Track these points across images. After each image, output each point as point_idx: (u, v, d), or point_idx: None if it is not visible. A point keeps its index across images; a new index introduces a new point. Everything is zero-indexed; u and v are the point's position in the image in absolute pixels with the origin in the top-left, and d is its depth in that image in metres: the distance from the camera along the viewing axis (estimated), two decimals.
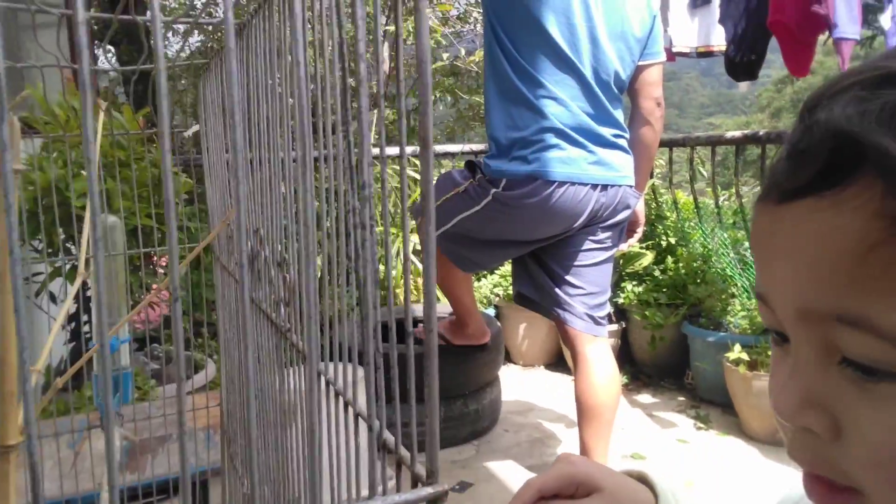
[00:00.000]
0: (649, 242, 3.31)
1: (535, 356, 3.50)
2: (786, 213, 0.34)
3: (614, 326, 3.24)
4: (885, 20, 2.67)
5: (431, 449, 0.28)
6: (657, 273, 3.23)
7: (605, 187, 1.93)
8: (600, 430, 1.97)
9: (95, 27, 4.13)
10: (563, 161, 1.88)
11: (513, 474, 2.36)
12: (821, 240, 0.32)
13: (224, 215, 0.74)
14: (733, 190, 3.37)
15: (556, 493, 0.55)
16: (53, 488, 1.26)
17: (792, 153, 0.34)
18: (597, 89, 1.89)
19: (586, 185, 1.89)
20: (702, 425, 2.74)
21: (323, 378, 0.46)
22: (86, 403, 1.97)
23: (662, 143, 3.61)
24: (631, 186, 1.99)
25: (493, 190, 1.89)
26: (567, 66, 1.87)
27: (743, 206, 3.05)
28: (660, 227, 3.39)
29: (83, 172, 1.73)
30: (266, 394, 0.60)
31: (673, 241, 3.32)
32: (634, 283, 3.24)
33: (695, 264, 3.18)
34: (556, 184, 1.87)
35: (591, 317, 2.03)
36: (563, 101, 1.86)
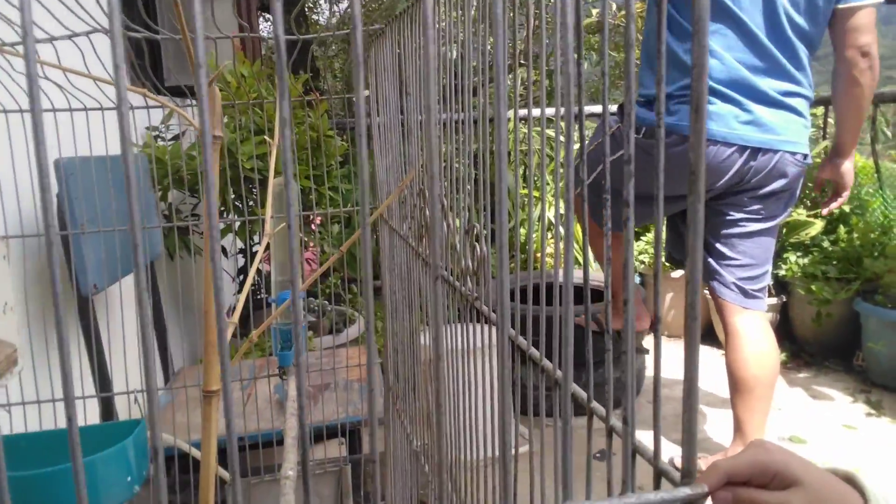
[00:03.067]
0: (817, 210, 3.02)
1: (681, 326, 3.34)
2: None
3: (773, 300, 3.02)
4: None
5: (689, 447, 0.26)
6: (826, 244, 2.95)
7: (756, 151, 1.74)
8: (752, 404, 1.86)
9: None
10: (708, 116, 1.75)
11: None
12: None
13: (396, 179, 0.75)
14: None
15: (747, 480, 0.51)
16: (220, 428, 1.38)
17: None
18: (763, 39, 1.70)
19: (733, 145, 1.73)
20: (873, 411, 2.50)
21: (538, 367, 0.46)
22: (251, 350, 2.14)
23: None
24: (794, 154, 1.77)
25: (634, 136, 1.79)
26: (724, 13, 1.70)
27: None
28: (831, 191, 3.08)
29: (267, 140, 1.85)
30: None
31: (847, 208, 3.01)
32: (799, 253, 2.99)
33: (872, 235, 2.86)
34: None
35: (742, 288, 1.90)
36: (715, 53, 1.71)
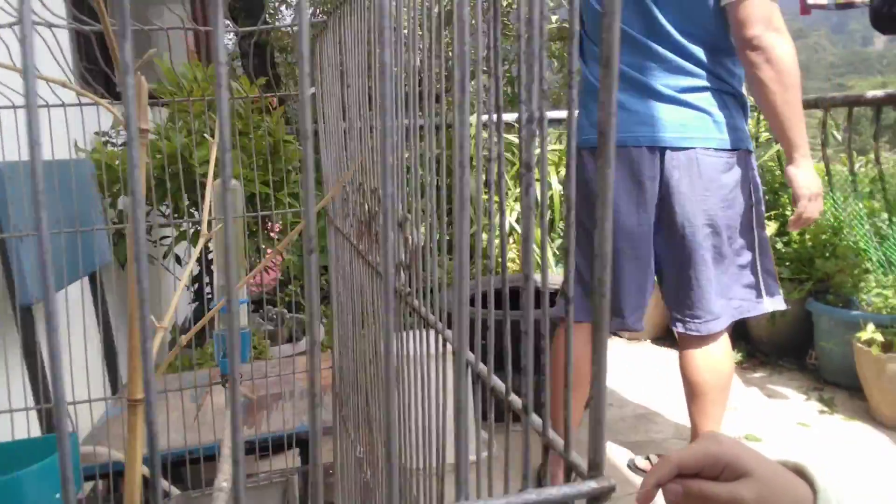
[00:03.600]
0: (772, 213, 3.09)
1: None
2: None
3: None
4: None
5: (597, 438, 0.25)
6: (780, 245, 3.02)
7: (653, 149, 1.71)
8: (706, 408, 1.87)
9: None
10: (592, 123, 1.77)
11: (617, 450, 2.30)
12: None
13: (339, 177, 0.74)
14: (870, 156, 3.08)
15: (698, 472, 0.51)
16: (178, 438, 1.34)
17: None
18: (644, 37, 1.70)
19: (627, 146, 1.72)
20: (825, 409, 2.56)
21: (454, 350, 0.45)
22: (207, 360, 2.09)
23: None
24: (707, 149, 1.70)
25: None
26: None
27: (882, 174, 2.78)
28: (784, 196, 3.16)
29: (207, 138, 1.82)
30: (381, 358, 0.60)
31: None
32: None
33: (823, 236, 2.94)
34: (590, 151, 1.79)
35: None
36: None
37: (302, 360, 1.75)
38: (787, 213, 3.11)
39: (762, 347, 3.09)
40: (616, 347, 3.32)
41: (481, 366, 0.39)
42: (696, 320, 1.82)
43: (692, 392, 1.88)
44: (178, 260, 2.19)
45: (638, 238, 1.80)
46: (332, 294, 0.91)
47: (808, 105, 3.05)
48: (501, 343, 0.37)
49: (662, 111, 1.69)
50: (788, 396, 2.70)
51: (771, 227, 2.98)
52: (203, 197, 1.94)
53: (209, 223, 0.66)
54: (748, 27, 1.58)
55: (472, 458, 0.34)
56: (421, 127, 0.47)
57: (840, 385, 2.72)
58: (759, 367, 3.00)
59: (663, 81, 1.69)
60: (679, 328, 1.88)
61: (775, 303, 1.87)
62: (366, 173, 0.59)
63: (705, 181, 1.71)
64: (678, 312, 1.87)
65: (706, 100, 1.69)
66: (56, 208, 1.32)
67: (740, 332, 3.15)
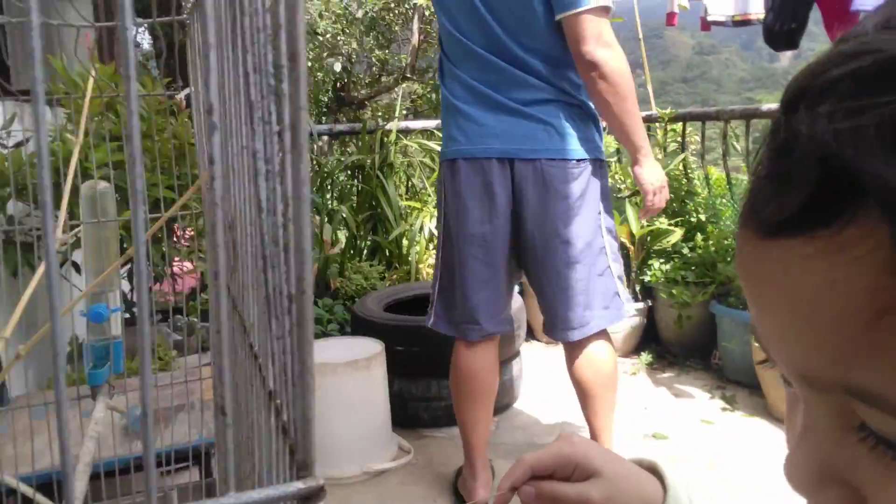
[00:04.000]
0: (678, 220, 3.23)
1: None
2: (772, 252, 0.27)
3: (640, 304, 3.19)
4: None
5: (305, 438, 0.25)
6: (686, 251, 3.16)
7: (503, 161, 1.76)
8: (595, 406, 1.94)
9: None
10: (453, 138, 1.84)
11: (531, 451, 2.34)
12: (816, 297, 0.25)
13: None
14: None
15: (551, 473, 0.53)
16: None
17: (772, 173, 0.27)
18: (490, 54, 1.75)
19: (479, 158, 1.79)
20: (727, 406, 2.68)
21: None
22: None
23: (694, 117, 3.53)
24: (552, 160, 1.75)
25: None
26: (455, 39, 1.81)
27: None
28: (690, 203, 3.31)
29: (70, 138, 1.73)
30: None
31: (703, 217, 3.23)
32: (662, 260, 3.18)
33: (725, 242, 3.09)
34: (448, 163, 1.85)
35: None
36: (468, 74, 1.80)
37: (207, 371, 1.70)
38: (693, 219, 3.25)
39: (671, 349, 3.22)
40: (533, 350, 3.38)
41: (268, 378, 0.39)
42: (563, 329, 1.88)
43: (580, 394, 1.95)
44: (76, 267, 2.09)
45: (490, 245, 1.83)
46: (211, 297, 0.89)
47: (710, 117, 3.21)
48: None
49: (510, 124, 1.75)
50: (694, 395, 2.82)
51: (677, 234, 3.11)
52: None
53: (72, 227, 0.63)
54: (581, 43, 1.63)
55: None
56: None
57: (741, 383, 2.86)
58: (667, 367, 3.12)
59: (509, 95, 1.75)
60: (550, 335, 1.95)
61: (630, 308, 1.97)
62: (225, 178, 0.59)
63: (551, 191, 1.75)
64: (547, 320, 1.94)
65: (551, 112, 1.74)
66: None
67: (650, 335, 3.28)
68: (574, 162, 1.77)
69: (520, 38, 1.72)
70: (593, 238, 1.82)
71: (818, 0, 2.74)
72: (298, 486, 0.24)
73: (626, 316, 1.93)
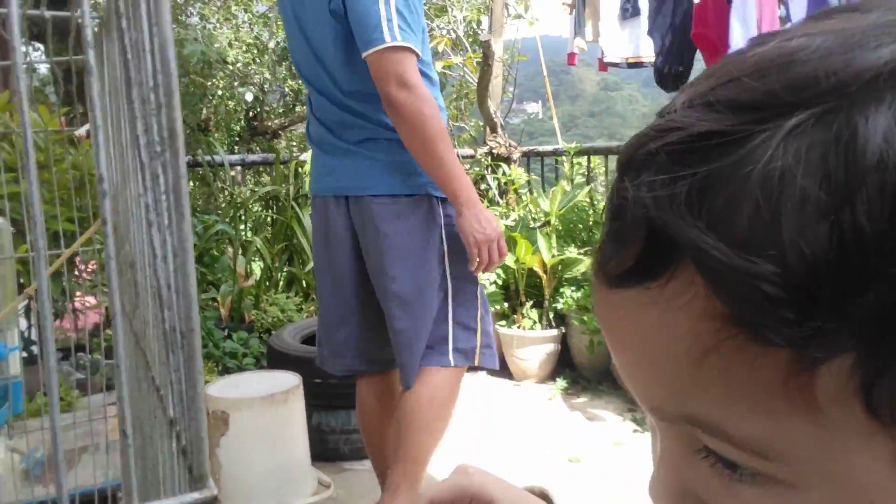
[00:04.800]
0: (587, 249, 3.36)
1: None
2: (617, 300, 0.30)
3: (554, 331, 3.28)
4: None
5: (199, 452, 0.27)
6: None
7: (338, 198, 1.76)
8: (404, 435, 1.82)
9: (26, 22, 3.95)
10: (311, 175, 1.89)
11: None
12: (653, 340, 0.29)
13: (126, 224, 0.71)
14: None
15: None
16: None
17: (611, 232, 0.31)
18: (322, 96, 1.76)
19: (320, 196, 1.79)
20: (638, 428, 2.79)
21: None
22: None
23: (598, 151, 3.71)
24: (377, 196, 1.70)
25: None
26: (303, 80, 1.85)
27: None
28: (597, 233, 3.46)
29: None
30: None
31: None
32: (573, 288, 3.29)
33: None
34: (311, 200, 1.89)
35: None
36: (314, 114, 1.82)
37: (112, 410, 1.63)
38: None
39: (584, 374, 3.32)
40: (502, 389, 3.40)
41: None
42: (399, 367, 1.79)
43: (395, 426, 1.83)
44: None
45: (337, 281, 1.82)
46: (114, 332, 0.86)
47: (612, 151, 3.39)
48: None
49: (343, 163, 1.74)
50: (606, 419, 2.91)
51: (586, 262, 3.23)
52: None
53: None
54: (379, 83, 1.56)
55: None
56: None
57: None
58: (581, 392, 3.21)
59: (341, 135, 1.73)
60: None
61: (467, 358, 1.79)
62: (120, 217, 0.58)
63: (380, 228, 1.69)
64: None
65: (379, 149, 1.70)
66: None
67: (565, 360, 3.37)
68: (402, 198, 1.69)
69: (340, 81, 1.70)
70: (428, 280, 1.72)
71: (699, 45, 2.97)
72: (195, 496, 0.26)
73: (449, 364, 1.76)
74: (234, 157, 4.40)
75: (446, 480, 0.55)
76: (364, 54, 1.56)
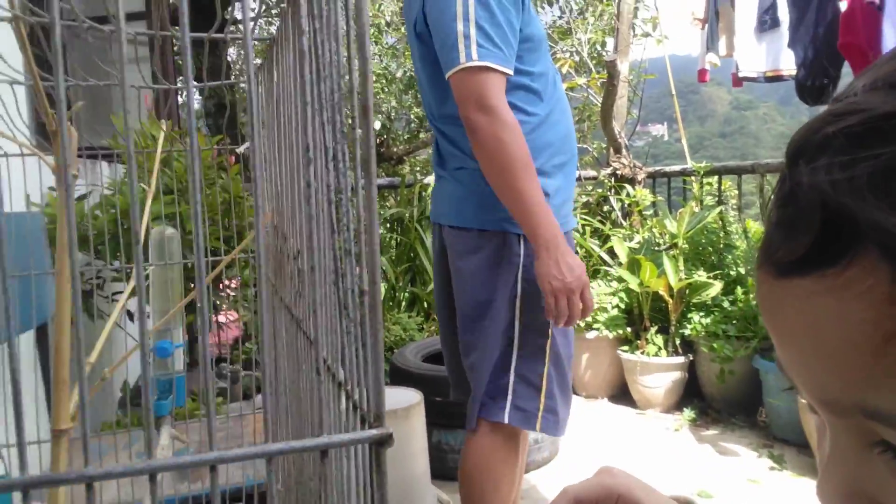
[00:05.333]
0: (717, 272, 3.20)
1: (598, 387, 3.42)
2: (787, 290, 0.30)
3: (681, 359, 3.14)
4: None
5: (377, 396, 0.30)
6: (726, 304, 3.12)
7: (436, 225, 1.73)
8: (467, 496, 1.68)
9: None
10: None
11: None
12: (828, 329, 0.28)
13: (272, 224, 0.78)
14: None
15: (594, 503, 0.54)
16: (121, 494, 1.31)
17: (781, 220, 0.30)
18: (430, 123, 1.73)
19: (433, 222, 1.76)
20: (775, 465, 2.60)
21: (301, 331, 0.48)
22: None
23: (730, 171, 3.54)
24: (453, 227, 1.62)
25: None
26: (424, 104, 1.79)
27: None
28: (728, 256, 3.29)
29: (144, 187, 1.83)
30: (290, 383, 0.63)
31: (743, 270, 3.20)
32: (702, 314, 3.14)
33: None
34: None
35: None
36: (434, 141, 1.77)
37: (252, 417, 1.74)
38: (732, 272, 3.22)
39: (714, 405, 3.14)
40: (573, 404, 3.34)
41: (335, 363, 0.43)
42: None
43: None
44: (130, 316, 2.17)
45: (439, 307, 1.79)
46: (264, 340, 0.93)
47: (746, 171, 3.22)
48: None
49: (439, 189, 1.72)
50: (739, 453, 2.74)
51: (716, 287, 3.08)
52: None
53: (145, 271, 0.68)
54: (461, 107, 1.45)
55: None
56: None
57: (789, 441, 2.77)
58: (711, 424, 3.05)
59: (442, 163, 1.68)
60: None
61: (526, 421, 1.58)
62: (282, 217, 0.64)
63: (454, 261, 1.62)
64: None
65: (466, 178, 1.60)
66: (8, 260, 1.32)
67: (692, 390, 3.21)
68: (474, 232, 1.58)
69: (433, 106, 1.66)
70: (490, 323, 1.58)
71: (847, 55, 2.77)
72: (373, 432, 0.29)
73: (502, 421, 1.57)
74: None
75: (591, 479, 0.55)
76: (446, 76, 1.46)
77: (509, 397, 1.58)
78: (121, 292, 2.28)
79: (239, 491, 1.25)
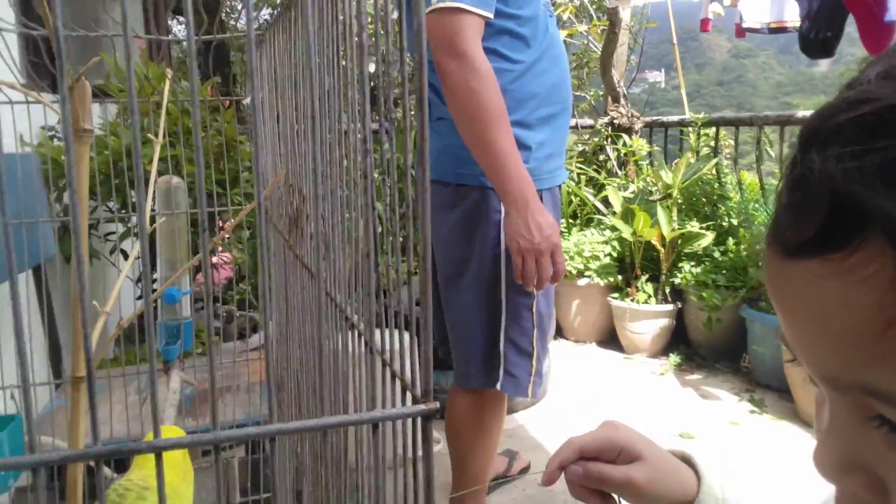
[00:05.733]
0: (709, 223, 3.23)
1: (587, 332, 3.49)
2: (793, 271, 0.31)
3: (669, 306, 3.20)
4: None
5: (426, 373, 0.32)
6: (717, 254, 3.16)
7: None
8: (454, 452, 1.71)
9: None
10: None
11: (557, 446, 2.38)
12: (832, 311, 0.29)
13: (273, 178, 0.78)
14: None
15: (597, 455, 0.57)
16: (122, 430, 1.35)
17: (791, 203, 0.31)
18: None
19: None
20: (756, 409, 2.69)
21: (338, 310, 0.50)
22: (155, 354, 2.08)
23: (728, 122, 3.53)
24: (431, 181, 1.49)
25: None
26: None
27: None
28: (722, 207, 3.31)
29: (150, 137, 1.82)
30: (308, 343, 0.64)
31: (735, 222, 3.23)
32: (692, 263, 3.18)
33: (757, 246, 3.09)
34: None
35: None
36: None
37: (251, 356, 1.77)
38: (724, 223, 3.25)
39: (700, 351, 3.22)
40: (561, 348, 3.41)
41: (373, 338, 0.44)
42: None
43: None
44: (124, 255, 2.19)
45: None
46: (266, 283, 0.95)
47: (744, 122, 3.21)
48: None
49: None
50: (721, 397, 2.82)
51: (708, 237, 3.11)
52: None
53: (152, 218, 0.69)
54: (433, 52, 1.34)
55: (437, 448, 0.39)
56: (375, 131, 0.49)
57: (771, 387, 2.85)
58: (696, 369, 3.13)
59: (430, 111, 1.54)
60: None
61: (516, 386, 1.55)
62: (296, 175, 0.64)
63: (432, 216, 1.46)
64: None
65: (444, 129, 1.51)
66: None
67: (680, 336, 3.28)
68: (451, 186, 1.50)
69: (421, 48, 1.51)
70: (468, 284, 1.53)
71: (852, 10, 2.73)
72: (422, 407, 0.31)
73: (495, 388, 1.55)
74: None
75: (595, 431, 0.58)
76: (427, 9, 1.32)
77: (502, 365, 1.54)
78: (114, 233, 2.29)
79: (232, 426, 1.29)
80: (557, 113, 1.55)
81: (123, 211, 1.98)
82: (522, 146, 1.43)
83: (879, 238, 0.27)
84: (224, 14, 7.13)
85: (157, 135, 0.70)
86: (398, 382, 0.39)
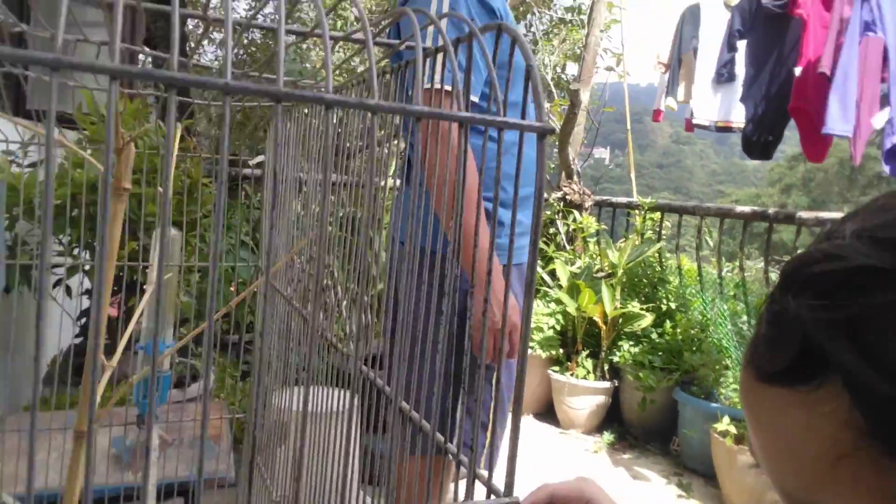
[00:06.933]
0: (650, 305, 3.36)
1: (525, 404, 3.52)
2: (765, 394, 0.35)
3: (607, 384, 3.28)
4: (877, 121, 2.64)
5: (511, 466, 0.35)
6: (654, 336, 3.27)
7: None
8: None
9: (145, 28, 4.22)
10: None
11: None
12: (796, 435, 0.33)
13: (286, 244, 0.80)
14: (737, 262, 3.44)
15: (566, 502, 0.61)
16: (56, 479, 1.29)
17: (768, 335, 0.35)
18: None
19: None
20: (683, 493, 2.75)
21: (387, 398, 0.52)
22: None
23: (673, 209, 3.71)
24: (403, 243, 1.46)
25: None
26: None
27: (745, 281, 3.11)
28: (661, 290, 3.45)
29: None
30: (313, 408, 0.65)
31: (673, 305, 3.37)
32: (631, 343, 3.29)
33: (692, 331, 3.22)
34: None
35: None
36: None
37: (192, 406, 1.73)
38: (664, 307, 3.38)
39: (632, 430, 3.29)
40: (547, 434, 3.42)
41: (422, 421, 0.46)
42: None
43: None
44: (68, 292, 2.11)
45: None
46: (256, 349, 0.95)
47: (687, 211, 3.39)
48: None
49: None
50: (651, 479, 2.88)
51: (648, 319, 3.23)
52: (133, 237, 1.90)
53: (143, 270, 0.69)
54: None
55: None
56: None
57: (698, 472, 2.93)
58: (628, 448, 3.19)
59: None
60: None
61: (469, 458, 1.45)
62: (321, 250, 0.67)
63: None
64: None
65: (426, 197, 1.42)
66: None
67: (615, 414, 3.35)
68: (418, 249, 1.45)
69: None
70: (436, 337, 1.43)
71: (796, 118, 2.96)
72: (505, 501, 0.33)
73: (450, 459, 1.47)
74: None
75: (569, 482, 0.61)
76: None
77: (457, 435, 1.46)
78: (60, 265, 2.21)
79: (172, 486, 1.25)
80: (530, 194, 1.61)
81: (77, 246, 1.93)
82: (498, 223, 1.45)
83: (838, 382, 0.31)
84: (189, 48, 7.10)
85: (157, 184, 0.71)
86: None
